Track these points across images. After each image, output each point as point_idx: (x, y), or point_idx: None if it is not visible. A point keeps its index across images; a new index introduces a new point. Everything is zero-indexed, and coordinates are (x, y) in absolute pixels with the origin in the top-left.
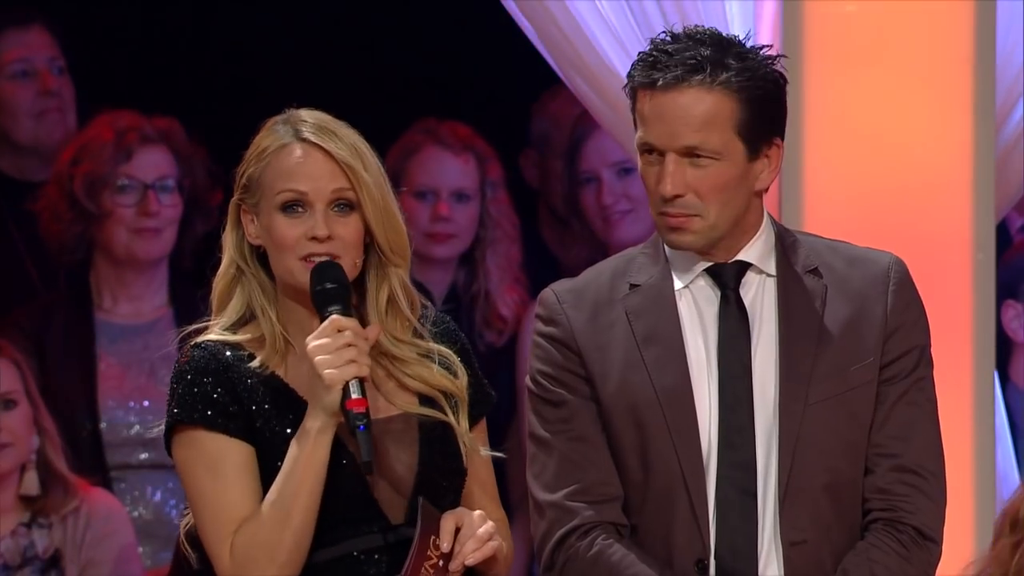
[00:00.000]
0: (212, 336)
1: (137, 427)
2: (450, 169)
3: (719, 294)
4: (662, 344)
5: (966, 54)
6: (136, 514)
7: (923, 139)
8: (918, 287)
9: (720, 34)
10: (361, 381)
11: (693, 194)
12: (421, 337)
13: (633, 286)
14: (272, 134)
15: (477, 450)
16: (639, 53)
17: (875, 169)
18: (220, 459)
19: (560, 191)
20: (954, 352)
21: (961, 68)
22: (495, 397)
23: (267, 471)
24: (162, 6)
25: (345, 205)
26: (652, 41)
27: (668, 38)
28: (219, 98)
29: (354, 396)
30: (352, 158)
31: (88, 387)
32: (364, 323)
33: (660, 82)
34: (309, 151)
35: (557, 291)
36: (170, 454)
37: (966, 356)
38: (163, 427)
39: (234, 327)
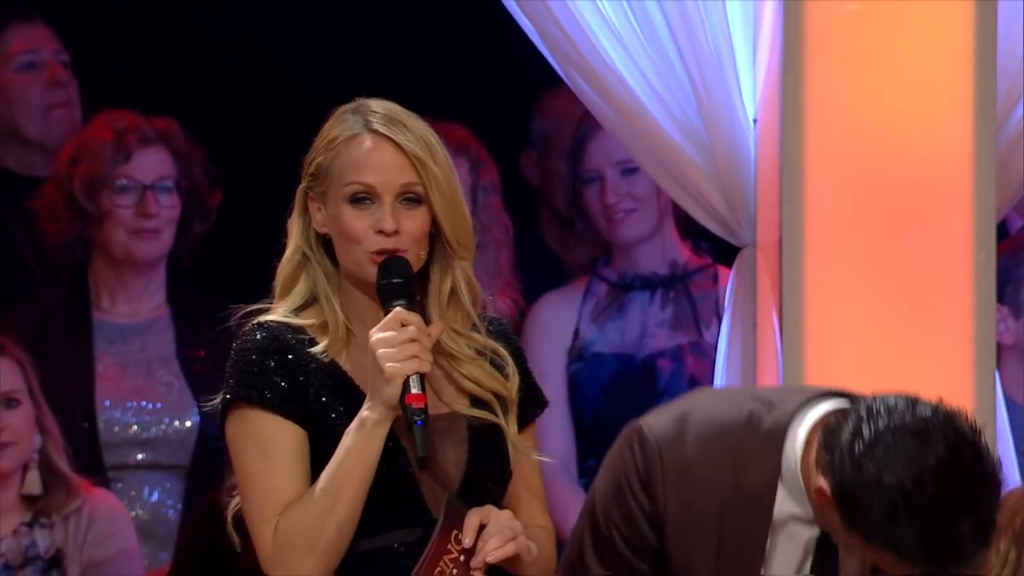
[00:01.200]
0: (275, 317)
1: (135, 427)
2: None
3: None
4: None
5: (967, 54)
6: (133, 514)
7: (924, 139)
8: (919, 287)
9: None
10: (422, 377)
11: None
12: (479, 332)
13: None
14: (341, 123)
15: (527, 454)
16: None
17: (876, 169)
18: (272, 440)
19: (562, 191)
20: (955, 353)
21: (962, 68)
22: (547, 402)
23: (318, 457)
24: (161, 5)
25: (413, 198)
26: None
27: None
28: (218, 97)
29: (414, 391)
30: (422, 151)
31: (85, 387)
32: (425, 315)
33: None
34: (379, 143)
35: (664, 456)
36: (223, 430)
37: (967, 357)
38: (218, 401)
39: (297, 311)
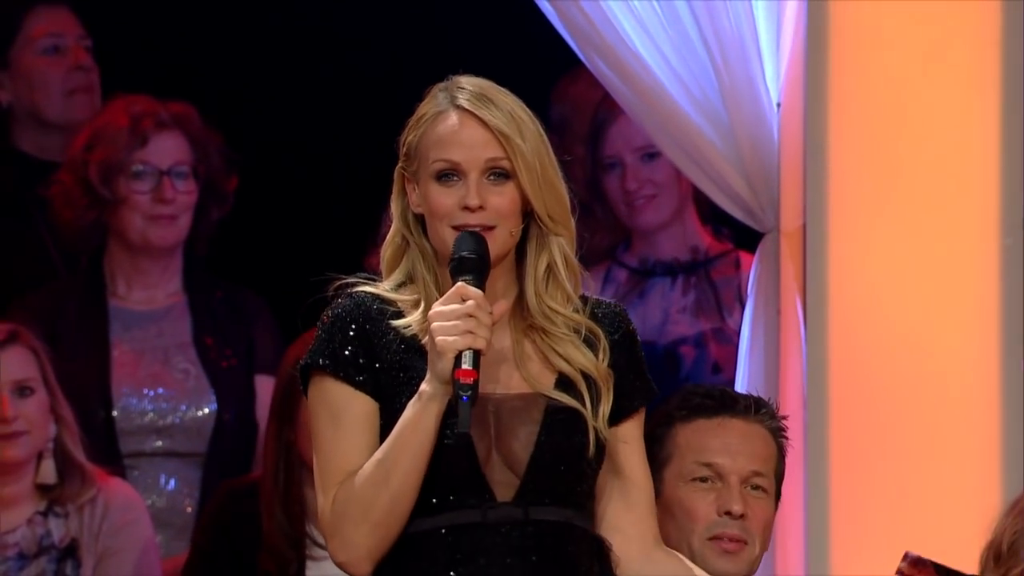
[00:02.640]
0: (367, 288)
1: (151, 414)
2: None
3: None
4: None
5: (993, 36)
6: (149, 503)
7: (949, 123)
8: (945, 273)
9: None
10: (476, 353)
11: None
12: (577, 311)
13: None
14: (432, 101)
15: (631, 444)
16: None
17: (901, 154)
18: (342, 409)
19: (582, 177)
20: (981, 339)
21: (988, 51)
22: (658, 393)
23: (386, 429)
24: None
25: (500, 174)
26: None
27: None
28: (234, 83)
29: (465, 366)
30: (507, 126)
31: (102, 374)
32: (522, 291)
33: None
34: (464, 119)
35: None
36: (305, 394)
37: (993, 342)
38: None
39: (397, 288)
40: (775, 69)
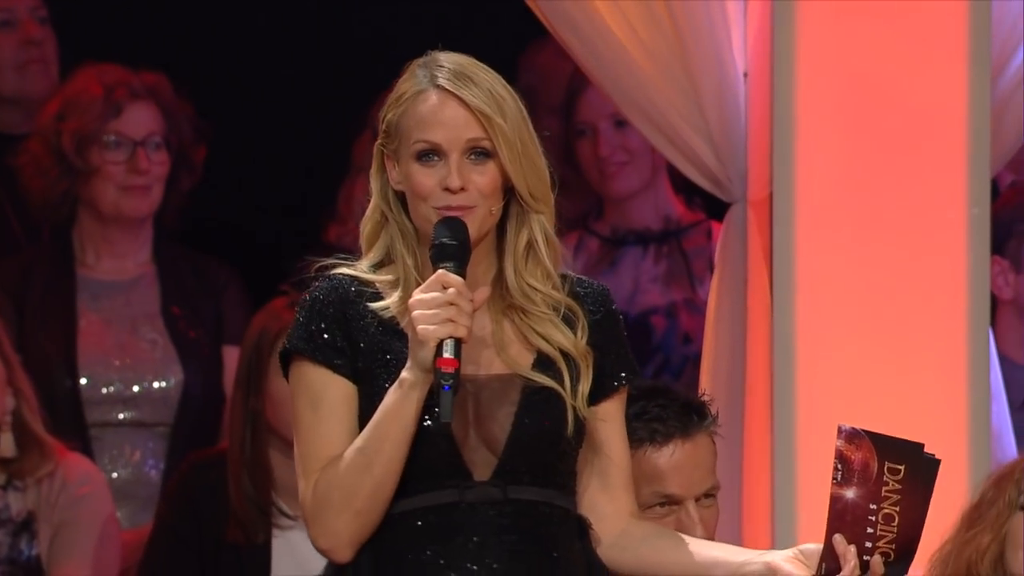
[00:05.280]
0: (347, 270)
1: (117, 384)
2: None
3: None
4: None
5: (960, 5)
6: (115, 474)
7: (917, 92)
8: (912, 243)
9: None
10: (457, 341)
11: None
12: (557, 289)
13: None
14: (411, 78)
15: (611, 422)
16: None
17: (868, 123)
18: (321, 393)
19: (550, 145)
20: (948, 309)
21: (956, 18)
22: (639, 372)
23: (366, 413)
24: None
25: (481, 153)
26: None
27: None
28: (204, 51)
29: (446, 355)
30: (487, 105)
31: (68, 344)
32: (501, 269)
33: None
34: (444, 98)
35: None
36: (286, 378)
37: (960, 313)
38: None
39: (375, 268)
40: (741, 38)
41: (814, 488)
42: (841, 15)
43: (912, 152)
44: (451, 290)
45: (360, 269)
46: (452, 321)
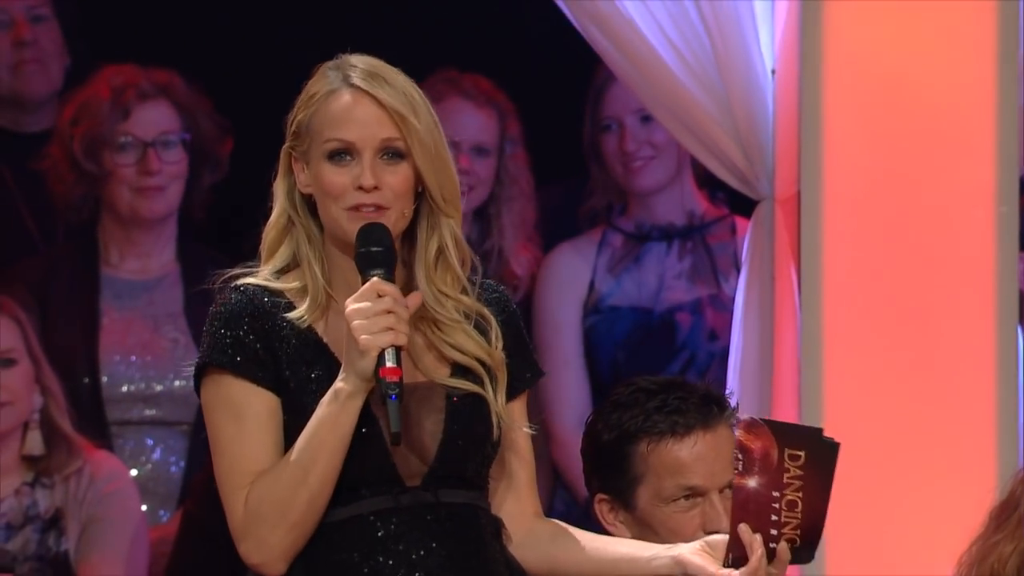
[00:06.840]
0: (254, 280)
1: (139, 383)
2: (472, 122)
3: None
4: None
5: (990, 2)
6: (136, 471)
7: (945, 90)
8: (940, 240)
9: None
10: (397, 349)
11: None
12: (467, 295)
13: None
14: (322, 79)
15: (517, 424)
16: None
17: (896, 121)
18: (243, 407)
19: (581, 138)
20: (976, 306)
21: (984, 16)
22: (543, 372)
23: (292, 426)
24: None
25: (395, 154)
26: None
27: None
28: (221, 45)
29: (389, 364)
30: (402, 105)
31: (90, 342)
32: (412, 275)
33: None
34: (358, 98)
35: None
36: (198, 394)
37: (989, 310)
38: (193, 367)
39: (278, 274)
40: (769, 36)
41: (840, 486)
42: (869, 13)
43: (940, 149)
44: (387, 298)
45: (264, 277)
46: (392, 329)
